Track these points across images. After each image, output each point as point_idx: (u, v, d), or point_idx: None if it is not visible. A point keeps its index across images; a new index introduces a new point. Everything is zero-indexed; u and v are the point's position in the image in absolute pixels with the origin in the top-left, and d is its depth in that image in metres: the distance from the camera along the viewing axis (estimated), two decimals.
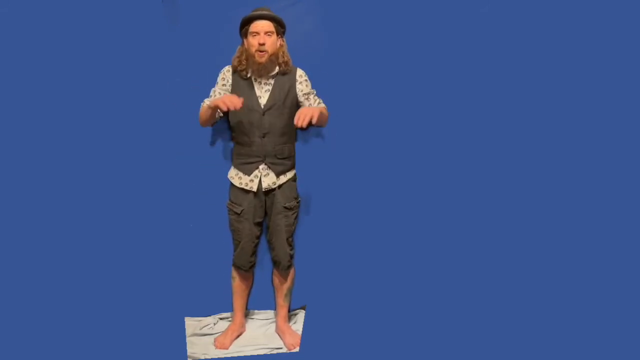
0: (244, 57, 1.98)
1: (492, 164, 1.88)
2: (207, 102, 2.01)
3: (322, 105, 2.04)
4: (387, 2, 1.96)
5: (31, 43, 1.73)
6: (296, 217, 2.10)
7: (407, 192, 1.93)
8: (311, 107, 1.83)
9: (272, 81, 2.00)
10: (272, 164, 2.01)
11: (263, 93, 1.99)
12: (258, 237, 2.09)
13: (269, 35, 1.93)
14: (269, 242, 2.11)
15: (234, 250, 2.10)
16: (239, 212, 2.04)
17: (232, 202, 2.07)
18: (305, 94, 2.02)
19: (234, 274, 2.12)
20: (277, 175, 2.03)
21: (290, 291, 2.15)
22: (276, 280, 2.13)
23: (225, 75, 2.02)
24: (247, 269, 2.09)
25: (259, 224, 2.07)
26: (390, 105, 1.95)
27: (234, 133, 2.05)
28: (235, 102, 1.78)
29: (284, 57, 1.99)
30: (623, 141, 1.83)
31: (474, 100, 1.89)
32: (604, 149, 1.83)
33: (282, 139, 2.01)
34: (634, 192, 1.81)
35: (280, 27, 1.98)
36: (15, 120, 1.72)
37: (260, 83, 1.99)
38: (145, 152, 1.83)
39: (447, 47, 1.91)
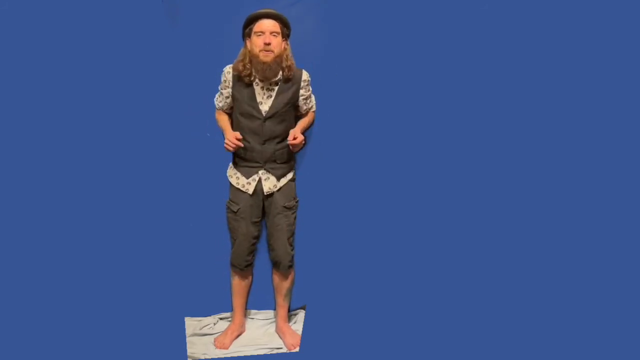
0: (247, 59, 1.92)
1: (494, 166, 1.88)
2: (217, 103, 2.06)
3: (313, 108, 2.09)
4: (388, 1, 1.95)
5: (30, 43, 1.73)
6: (295, 217, 2.10)
7: (407, 192, 1.93)
8: (299, 129, 1.99)
9: (274, 87, 1.97)
10: (272, 168, 2.02)
11: (265, 99, 1.97)
12: (256, 237, 2.09)
13: (274, 35, 1.86)
14: (269, 242, 2.10)
15: (232, 249, 2.10)
16: (235, 210, 2.04)
17: (231, 201, 2.07)
18: (304, 98, 2.02)
19: (233, 273, 2.12)
20: (278, 178, 2.03)
21: (290, 291, 2.15)
22: (276, 281, 2.13)
23: (226, 77, 1.99)
24: (242, 268, 2.08)
25: (256, 224, 2.07)
26: (391, 105, 1.95)
27: (235, 129, 2.04)
28: (236, 143, 1.95)
29: (287, 61, 1.92)
30: (623, 141, 1.82)
31: (478, 101, 1.89)
32: (605, 149, 1.83)
33: (283, 144, 2.01)
34: (633, 192, 1.81)
35: (286, 29, 1.92)
36: (14, 119, 1.72)
37: (262, 88, 1.96)
38: (144, 152, 1.83)
39: (450, 47, 1.90)
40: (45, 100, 1.74)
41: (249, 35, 1.90)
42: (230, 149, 1.97)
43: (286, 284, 2.11)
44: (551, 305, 1.81)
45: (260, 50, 1.86)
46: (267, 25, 1.86)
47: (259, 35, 1.86)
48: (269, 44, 1.84)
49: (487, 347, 1.79)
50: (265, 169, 2.01)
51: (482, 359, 1.79)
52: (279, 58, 1.90)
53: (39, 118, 1.73)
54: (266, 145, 1.98)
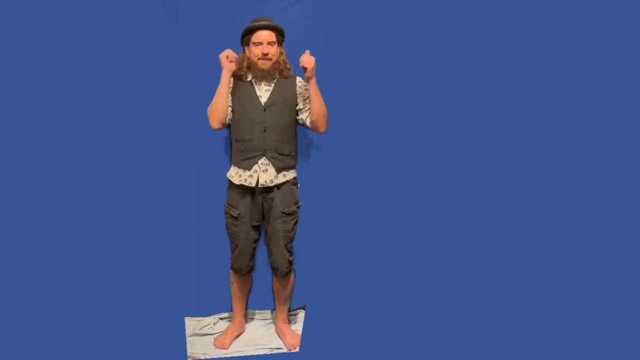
0: (245, 64, 2.03)
1: (494, 167, 1.88)
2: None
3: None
4: (388, 1, 1.96)
5: (30, 42, 1.73)
6: (296, 223, 2.08)
7: (407, 194, 1.93)
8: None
9: (272, 83, 2.04)
10: (273, 158, 2.00)
11: (264, 93, 2.03)
12: (256, 241, 2.09)
13: (271, 45, 1.99)
14: (268, 247, 2.10)
15: (232, 254, 2.09)
16: (235, 215, 2.04)
17: (230, 205, 2.06)
18: (305, 97, 2.05)
19: (232, 277, 2.11)
20: (277, 171, 2.01)
21: (290, 296, 2.14)
22: (276, 286, 2.12)
23: None
24: (245, 273, 2.08)
25: (256, 228, 2.07)
26: (391, 107, 1.95)
27: (233, 132, 2.04)
28: (229, 56, 1.96)
29: (285, 64, 2.04)
30: (623, 141, 1.83)
31: (477, 101, 1.89)
32: (605, 150, 1.83)
33: (284, 137, 2.01)
34: (634, 192, 1.81)
35: (281, 37, 2.02)
36: (14, 119, 1.72)
37: (260, 85, 2.03)
38: (145, 153, 1.83)
39: (449, 47, 1.90)
40: (45, 101, 1.74)
41: (247, 44, 2.01)
42: (231, 56, 1.98)
43: (286, 290, 2.11)
44: (548, 305, 1.82)
45: (258, 59, 2.00)
46: (264, 36, 1.98)
47: (257, 45, 1.99)
48: (267, 54, 1.98)
49: (486, 347, 1.79)
50: (266, 157, 2.00)
51: (481, 358, 1.79)
52: (276, 64, 2.02)
53: (39, 118, 1.74)
54: (267, 133, 1.99)
